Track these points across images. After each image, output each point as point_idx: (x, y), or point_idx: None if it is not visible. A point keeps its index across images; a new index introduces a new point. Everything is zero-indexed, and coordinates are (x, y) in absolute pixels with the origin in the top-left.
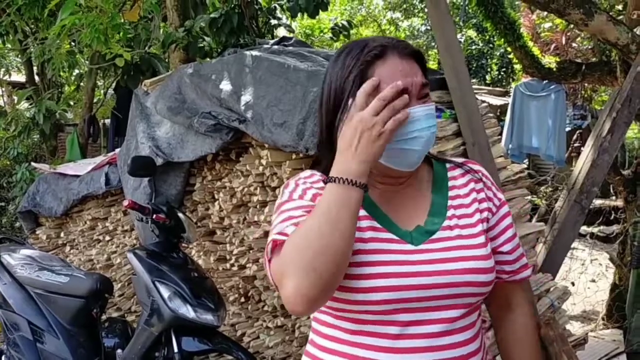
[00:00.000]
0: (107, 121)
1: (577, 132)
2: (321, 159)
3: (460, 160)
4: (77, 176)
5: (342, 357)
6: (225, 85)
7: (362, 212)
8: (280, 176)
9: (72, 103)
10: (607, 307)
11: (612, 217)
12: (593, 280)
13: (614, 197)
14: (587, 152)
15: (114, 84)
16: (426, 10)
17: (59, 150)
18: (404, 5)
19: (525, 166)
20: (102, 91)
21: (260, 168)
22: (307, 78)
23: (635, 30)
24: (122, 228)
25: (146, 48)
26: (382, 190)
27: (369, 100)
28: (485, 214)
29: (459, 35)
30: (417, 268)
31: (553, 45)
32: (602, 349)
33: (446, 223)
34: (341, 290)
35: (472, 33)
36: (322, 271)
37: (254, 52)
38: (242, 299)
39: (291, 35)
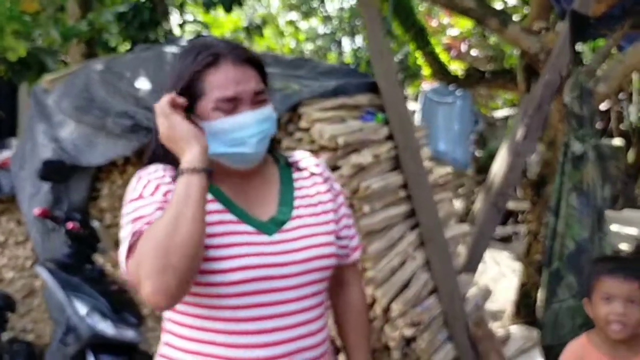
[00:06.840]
0: None
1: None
2: (157, 152)
3: (299, 155)
4: None
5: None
6: (143, 84)
7: (220, 206)
8: None
9: None
10: (515, 304)
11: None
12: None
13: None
14: (502, 156)
15: None
16: (324, 13)
17: None
18: (303, 8)
19: (449, 170)
20: None
21: None
22: None
23: None
24: (15, 239)
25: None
26: (233, 184)
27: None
28: (329, 205)
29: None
30: (273, 259)
31: (452, 51)
32: (514, 344)
33: (295, 213)
34: (199, 283)
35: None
36: (178, 267)
37: (175, 50)
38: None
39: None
